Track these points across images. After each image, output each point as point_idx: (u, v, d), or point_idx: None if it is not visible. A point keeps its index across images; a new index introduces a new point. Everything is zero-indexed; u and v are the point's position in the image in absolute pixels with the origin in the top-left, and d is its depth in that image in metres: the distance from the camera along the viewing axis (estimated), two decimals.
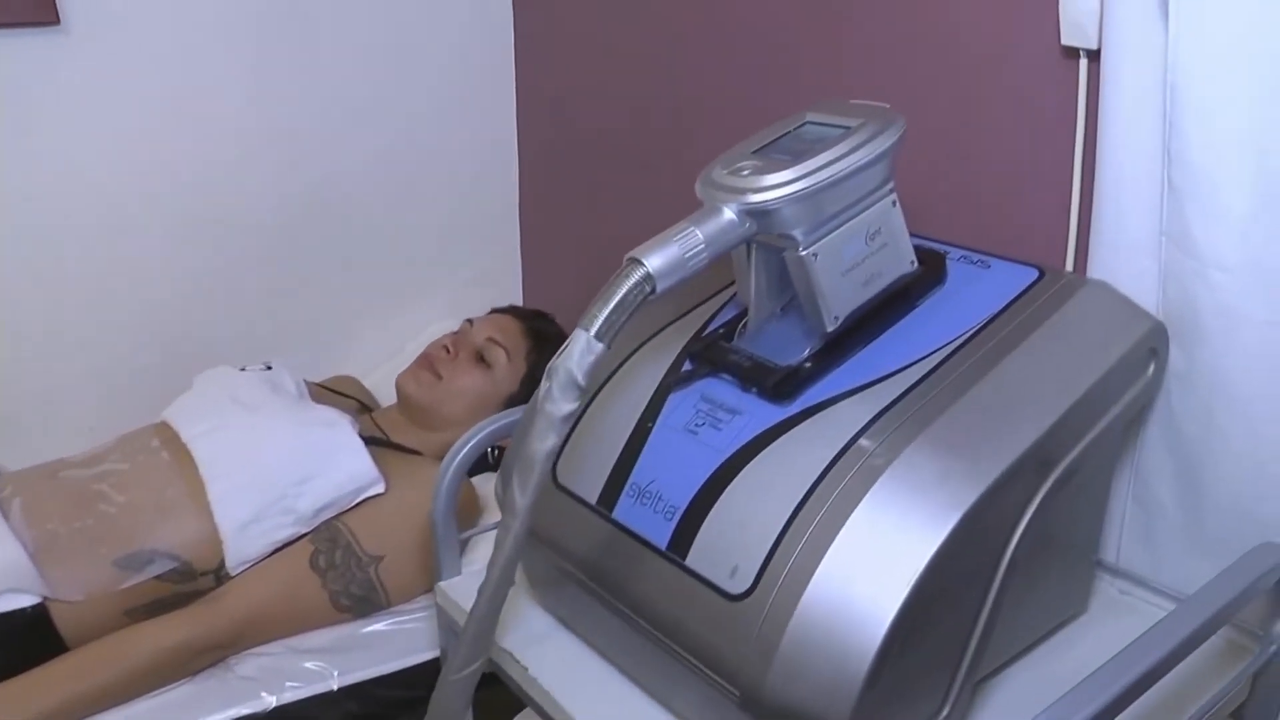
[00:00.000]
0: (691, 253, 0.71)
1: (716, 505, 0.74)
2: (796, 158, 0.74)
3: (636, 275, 0.70)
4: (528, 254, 1.83)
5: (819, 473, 0.71)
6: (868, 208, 0.78)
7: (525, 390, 1.43)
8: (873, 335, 0.81)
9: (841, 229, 0.76)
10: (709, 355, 0.83)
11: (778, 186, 0.72)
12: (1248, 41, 0.69)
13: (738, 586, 0.70)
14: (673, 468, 0.78)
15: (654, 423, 0.82)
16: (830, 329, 0.78)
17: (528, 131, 1.73)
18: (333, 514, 1.22)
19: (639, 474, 0.80)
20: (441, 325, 1.65)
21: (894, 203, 0.80)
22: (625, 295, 0.69)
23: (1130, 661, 0.65)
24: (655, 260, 0.70)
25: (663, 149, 1.45)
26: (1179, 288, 0.79)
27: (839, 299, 0.78)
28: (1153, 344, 0.80)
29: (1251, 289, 0.74)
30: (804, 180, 0.72)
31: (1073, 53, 0.90)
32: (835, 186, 0.73)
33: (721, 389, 0.81)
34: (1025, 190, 0.99)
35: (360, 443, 1.26)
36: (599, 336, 0.69)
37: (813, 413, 0.76)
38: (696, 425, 0.79)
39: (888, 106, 0.80)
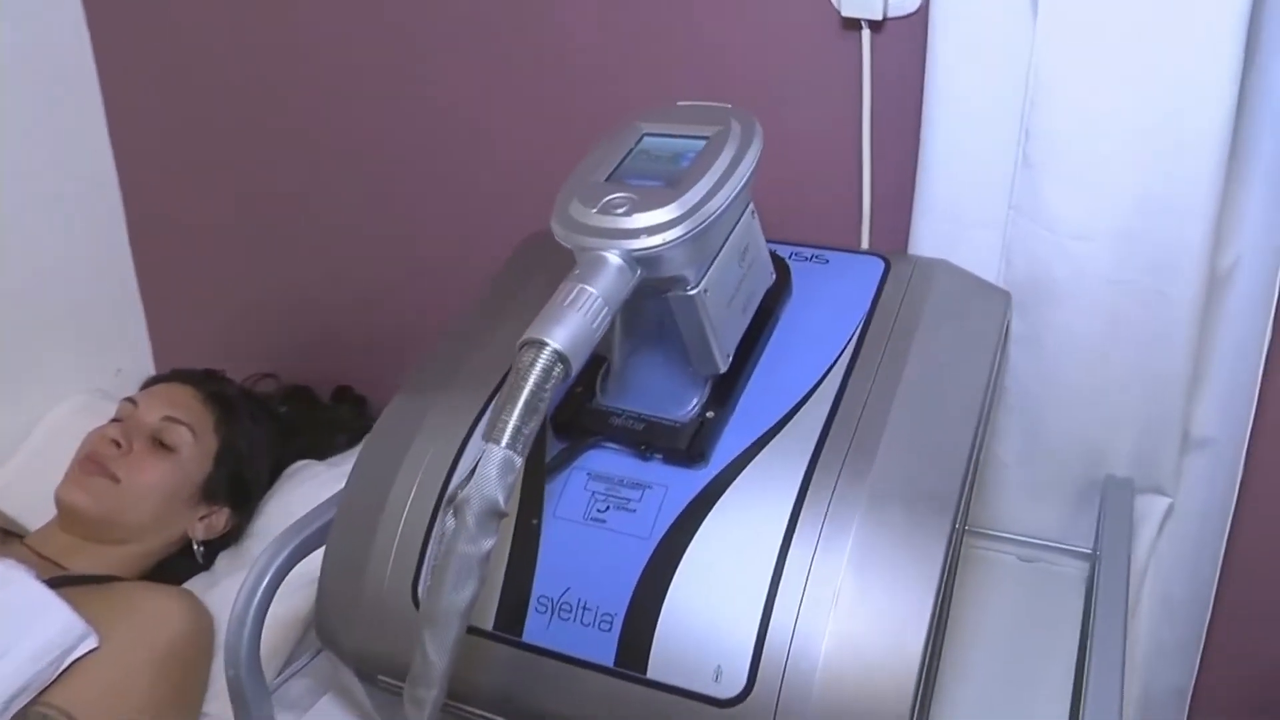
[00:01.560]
0: (596, 318, 0.58)
1: (666, 603, 0.62)
2: (673, 185, 0.63)
3: (544, 360, 0.55)
4: (148, 292, 1.50)
5: (779, 541, 0.62)
6: (736, 225, 0.69)
7: (221, 469, 1.18)
8: (753, 362, 0.73)
9: (720, 256, 0.66)
10: (582, 422, 0.70)
11: (671, 225, 0.60)
12: (1112, 21, 0.68)
13: (729, 690, 0.60)
14: (589, 569, 0.65)
15: (539, 518, 0.68)
16: (724, 369, 0.68)
17: (127, 150, 1.41)
18: (30, 697, 0.92)
19: (544, 585, 0.66)
20: (63, 409, 1.36)
21: (753, 213, 0.71)
22: (535, 389, 0.55)
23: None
24: (561, 336, 0.56)
25: (289, 152, 1.25)
26: (1027, 257, 0.79)
27: (728, 334, 0.69)
28: (1009, 318, 0.80)
29: (1104, 253, 0.76)
30: (696, 214, 0.61)
31: (853, 24, 0.86)
32: (724, 213, 0.63)
33: (611, 461, 0.69)
34: (815, 173, 0.96)
35: (47, 592, 0.95)
36: (515, 448, 0.54)
37: (736, 470, 0.66)
38: (599, 511, 0.67)
39: (729, 106, 0.70)
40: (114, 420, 1.18)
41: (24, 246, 1.33)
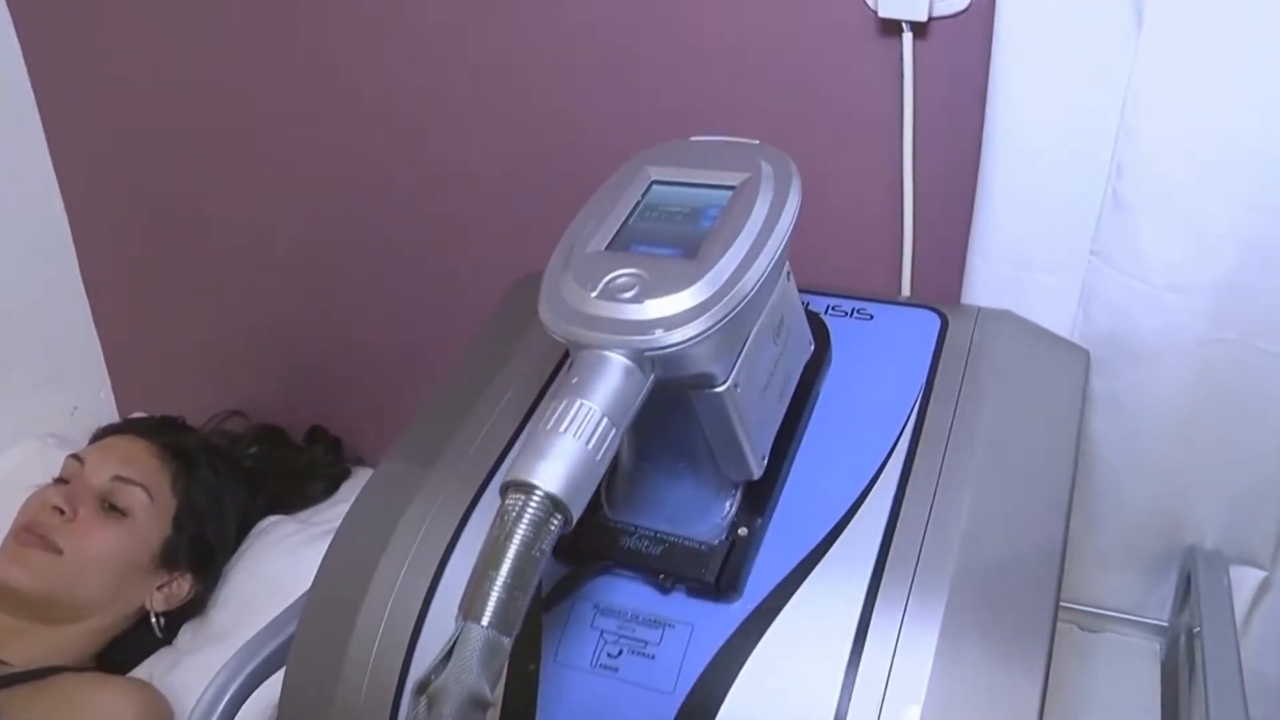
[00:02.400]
0: (600, 444, 0.45)
1: None
2: (694, 256, 0.50)
3: (533, 510, 0.43)
4: (105, 325, 1.37)
5: (837, 697, 0.50)
6: (770, 294, 0.56)
7: (182, 532, 1.05)
8: (790, 457, 0.60)
9: (752, 338, 0.53)
10: (586, 542, 0.57)
11: (695, 314, 0.47)
12: (1233, 37, 0.55)
13: None
14: None
15: (536, 663, 0.55)
16: (758, 474, 0.56)
17: (72, 178, 1.27)
18: None
19: None
20: (13, 451, 1.21)
21: (789, 274, 0.58)
22: (524, 549, 0.43)
23: None
24: (555, 476, 0.44)
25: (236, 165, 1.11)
26: (1110, 310, 0.66)
27: (762, 431, 0.56)
28: (1088, 376, 0.67)
29: (1202, 307, 0.64)
30: (728, 296, 0.48)
31: (893, 26, 0.72)
32: (761, 289, 0.50)
33: (623, 591, 0.56)
34: (848, 206, 0.82)
35: None
36: (499, 626, 0.42)
37: (778, 604, 0.54)
38: (610, 657, 0.54)
39: (756, 143, 0.57)
40: (57, 481, 1.05)
41: None
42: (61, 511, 1.00)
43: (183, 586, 1.05)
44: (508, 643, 0.42)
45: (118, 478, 1.03)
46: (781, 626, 0.53)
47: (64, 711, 0.88)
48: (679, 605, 0.55)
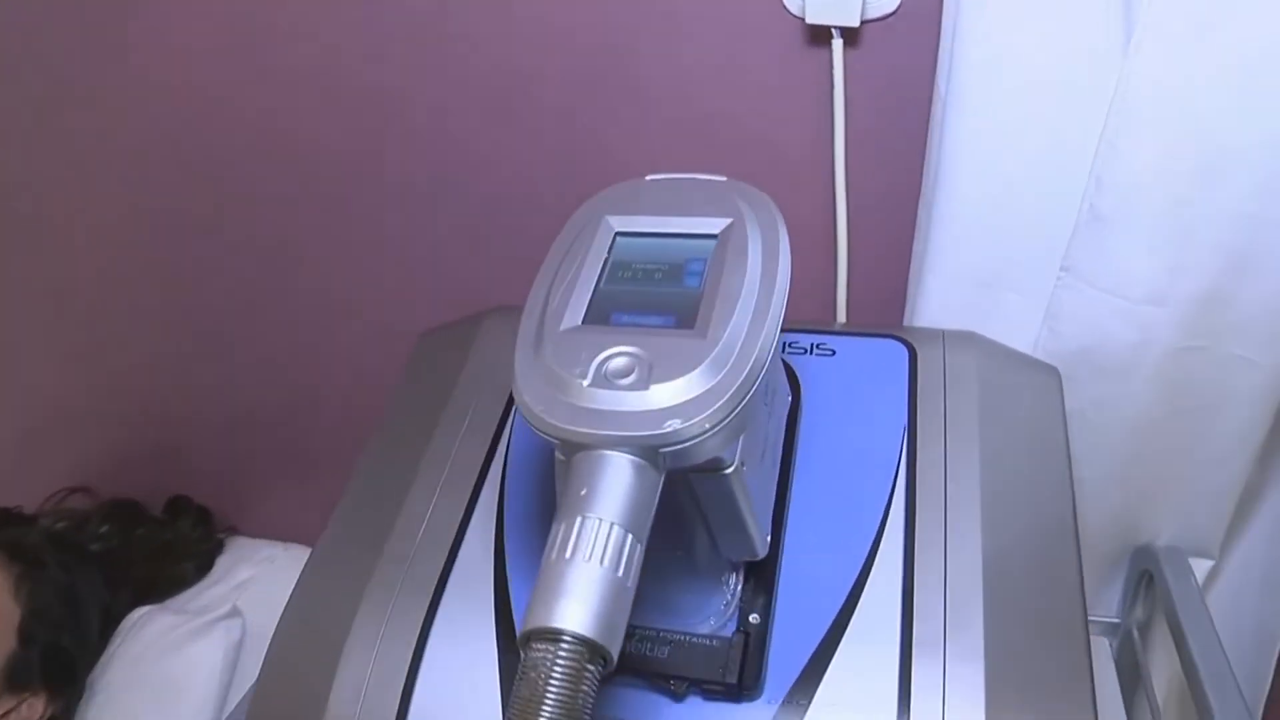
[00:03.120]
0: (627, 565, 0.38)
1: None
2: (689, 324, 0.43)
3: (565, 661, 0.36)
4: None
5: None
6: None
7: (31, 646, 0.90)
8: (785, 526, 0.54)
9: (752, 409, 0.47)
10: None
11: (713, 400, 0.41)
12: (1219, 51, 0.52)
13: None
14: None
15: None
16: (763, 553, 0.50)
17: None
18: None
19: None
20: None
21: None
22: (560, 707, 0.35)
23: None
24: (578, 615, 0.37)
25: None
26: (1080, 326, 0.64)
27: (764, 506, 0.50)
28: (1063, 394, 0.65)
29: (1180, 318, 0.62)
30: (746, 369, 0.42)
31: (822, 34, 0.67)
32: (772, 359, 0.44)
33: (631, 704, 0.49)
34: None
35: None
36: None
37: (805, 695, 0.48)
38: None
39: (724, 179, 0.51)
40: None
41: None
42: None
43: (35, 709, 0.90)
44: None
45: None
46: None
47: None
48: (695, 712, 0.48)
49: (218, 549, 1.10)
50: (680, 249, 0.48)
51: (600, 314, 0.45)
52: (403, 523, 0.59)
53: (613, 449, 0.40)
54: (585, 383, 0.42)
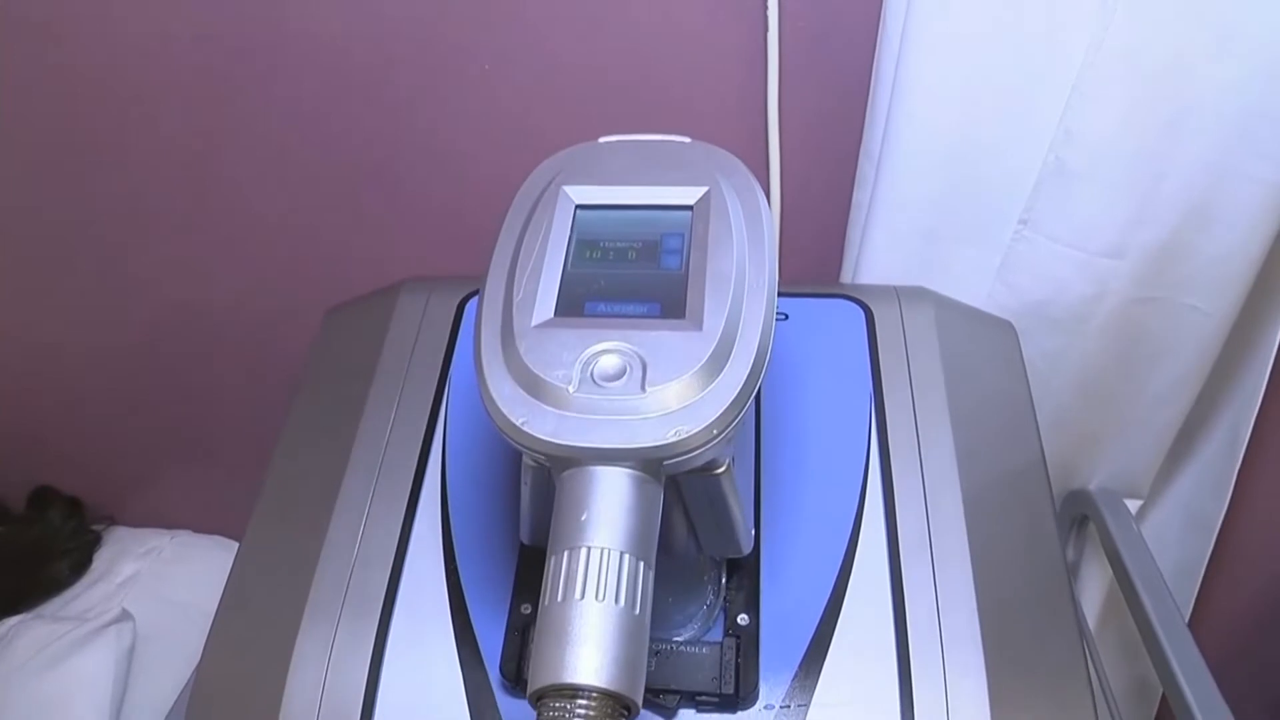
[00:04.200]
0: (639, 595, 0.34)
1: None
2: (679, 312, 0.39)
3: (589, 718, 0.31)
4: None
5: None
6: None
7: None
8: (756, 509, 0.51)
9: None
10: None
11: (719, 402, 0.36)
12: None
13: None
14: None
15: None
16: (748, 549, 0.46)
17: None
18: None
19: None
20: None
21: None
22: None
23: None
24: (594, 665, 0.33)
25: None
26: (1035, 279, 0.62)
27: (748, 499, 0.46)
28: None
29: (1135, 270, 0.61)
30: (749, 371, 0.37)
31: None
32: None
33: None
34: None
35: None
36: None
37: (801, 698, 0.45)
38: None
39: (688, 140, 0.46)
40: None
41: None
42: None
43: None
44: None
45: None
46: None
47: None
48: None
49: (94, 543, 0.99)
50: (652, 222, 0.43)
51: (573, 303, 0.40)
52: (339, 522, 0.53)
53: (610, 463, 0.36)
54: (571, 388, 0.37)
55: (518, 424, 0.36)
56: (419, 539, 0.52)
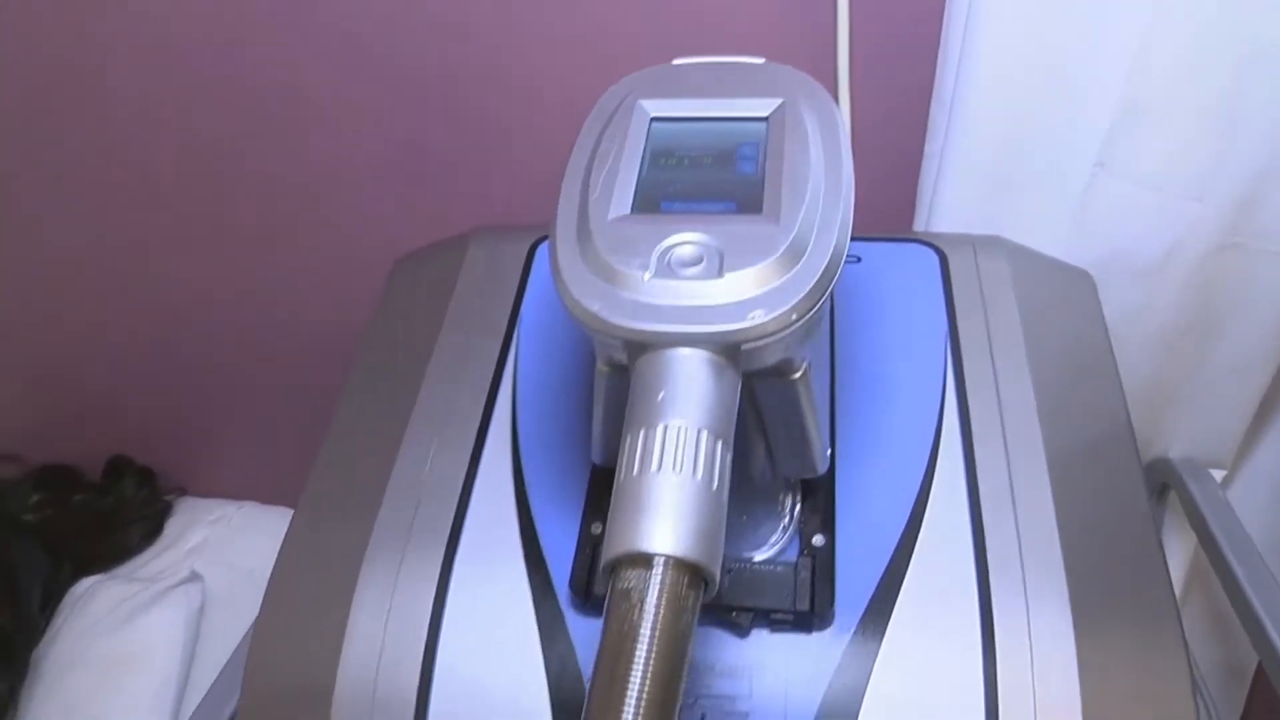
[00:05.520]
0: (716, 470, 0.34)
1: None
2: (756, 209, 0.38)
3: (659, 586, 0.31)
4: None
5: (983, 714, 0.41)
6: None
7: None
8: (831, 434, 0.50)
9: None
10: None
11: (797, 288, 0.36)
12: None
13: None
14: None
15: None
16: (823, 469, 0.45)
17: None
18: None
19: None
20: None
21: None
22: (662, 643, 0.31)
23: None
24: (670, 534, 0.32)
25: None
26: (1114, 227, 0.60)
27: (824, 417, 0.45)
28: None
29: (1220, 215, 0.59)
30: (827, 262, 0.37)
31: None
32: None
33: None
34: None
35: None
36: None
37: (879, 623, 0.44)
38: None
39: (762, 61, 0.46)
40: None
41: None
42: None
43: None
44: None
45: None
46: (893, 649, 0.44)
47: None
48: (761, 646, 0.44)
49: (165, 511, 1.02)
50: (728, 133, 0.43)
51: (650, 202, 0.40)
52: (406, 456, 0.53)
53: (688, 346, 0.35)
54: (648, 275, 0.36)
55: (594, 310, 0.36)
56: (487, 468, 0.52)
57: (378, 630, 0.47)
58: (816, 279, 0.36)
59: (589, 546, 0.47)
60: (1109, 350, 0.56)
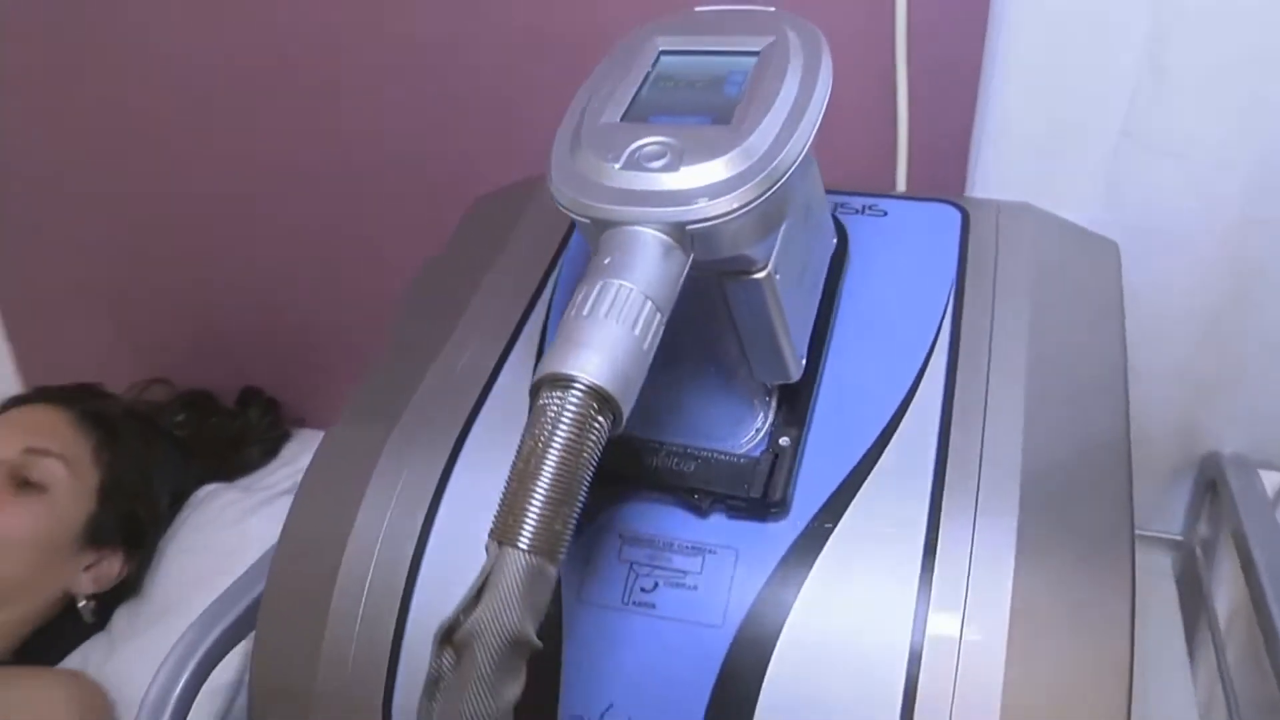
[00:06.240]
0: (646, 329, 0.39)
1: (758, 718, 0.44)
2: (726, 121, 0.43)
3: (574, 408, 0.36)
4: (6, 295, 1.24)
5: (912, 614, 0.44)
6: (806, 172, 0.50)
7: (108, 506, 0.95)
8: (823, 360, 0.54)
9: (788, 221, 0.47)
10: (606, 462, 0.50)
11: (740, 181, 0.41)
12: None
13: None
14: (638, 677, 0.46)
15: (557, 604, 0.48)
16: (796, 376, 0.49)
17: None
18: None
19: (574, 702, 0.47)
20: None
21: (812, 155, 0.52)
22: (567, 455, 0.36)
23: None
24: (593, 365, 0.37)
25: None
26: (1142, 196, 0.62)
27: (799, 327, 0.50)
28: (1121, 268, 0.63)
29: (1247, 186, 0.59)
30: (774, 161, 0.42)
31: None
32: (803, 159, 0.44)
33: (651, 517, 0.49)
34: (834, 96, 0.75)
35: None
36: (542, 550, 0.35)
37: (831, 520, 0.48)
38: (645, 591, 0.48)
39: (772, 10, 0.51)
40: None
41: None
42: None
43: (113, 566, 0.95)
44: (553, 571, 0.36)
45: (30, 450, 0.92)
46: (839, 544, 0.47)
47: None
48: (718, 529, 0.48)
49: (284, 438, 1.13)
50: (721, 64, 0.48)
51: (639, 114, 0.46)
52: (435, 369, 0.58)
53: (642, 225, 0.41)
54: (618, 166, 0.42)
55: (569, 193, 0.42)
56: (513, 365, 0.57)
57: (382, 514, 0.52)
58: (760, 178, 0.41)
59: None
60: (1118, 313, 0.57)
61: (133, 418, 1.03)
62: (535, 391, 0.37)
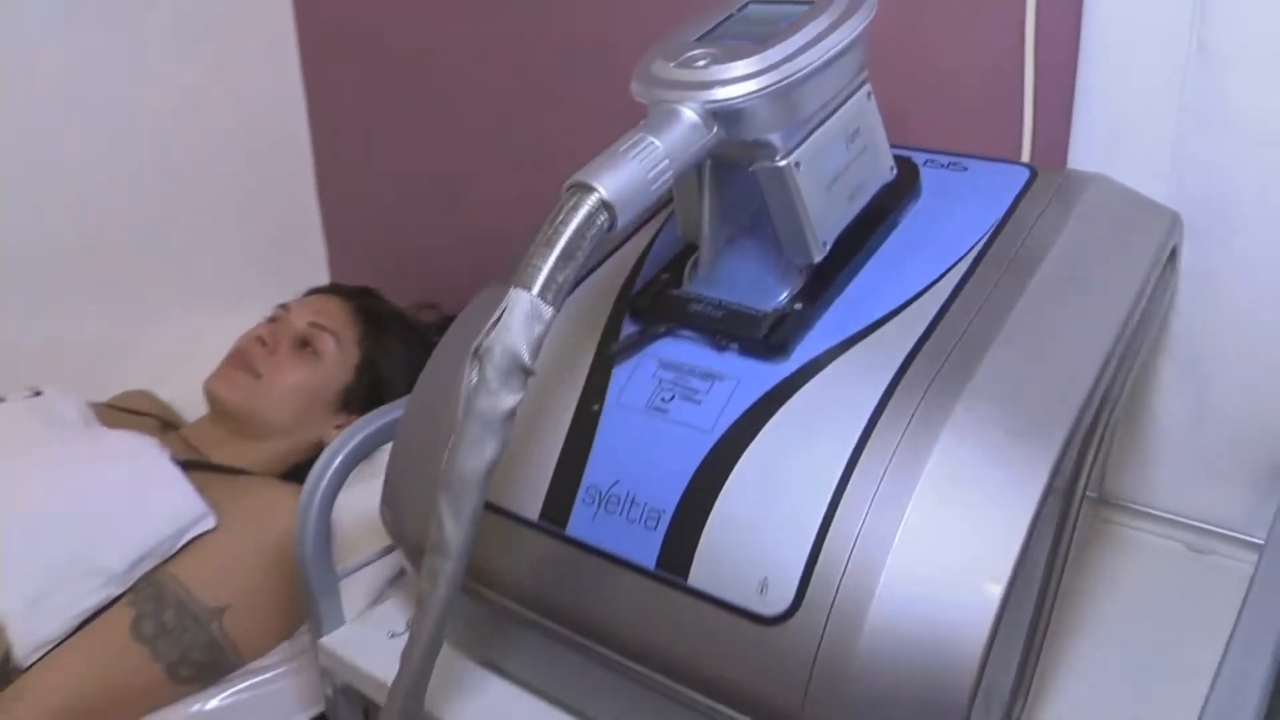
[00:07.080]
0: (655, 170, 0.53)
1: (718, 503, 0.56)
2: (760, 43, 0.57)
3: (587, 205, 0.51)
4: (331, 224, 1.57)
5: (852, 447, 0.55)
6: (844, 102, 0.62)
7: (361, 381, 1.20)
8: (859, 262, 0.65)
9: (821, 130, 0.60)
10: (659, 308, 0.65)
11: (750, 77, 0.55)
12: None
13: (773, 606, 0.53)
14: (642, 461, 0.60)
15: (600, 404, 0.63)
16: (818, 258, 0.61)
17: (316, 74, 1.47)
18: (153, 564, 0.96)
19: (594, 474, 0.61)
20: (238, 319, 1.38)
21: (869, 94, 0.64)
22: (574, 235, 0.50)
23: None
24: (609, 182, 0.51)
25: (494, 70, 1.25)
26: (1202, 171, 0.67)
27: (825, 219, 0.61)
28: (1174, 242, 0.68)
29: None
30: (779, 69, 0.55)
31: None
32: (815, 76, 0.56)
33: (685, 350, 0.63)
34: (968, 68, 0.85)
35: (176, 470, 1.00)
36: (546, 297, 0.50)
37: (818, 368, 0.59)
38: (664, 400, 0.61)
39: None
40: (267, 321, 1.23)
41: (216, 187, 1.43)
42: (264, 344, 1.18)
43: None
44: (550, 312, 0.50)
45: (314, 324, 1.20)
46: (815, 387, 0.58)
47: (242, 498, 1.03)
48: (730, 362, 0.61)
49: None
50: (786, 11, 0.61)
51: (710, 38, 0.60)
52: None
53: (676, 103, 0.55)
54: (673, 65, 0.57)
55: (638, 84, 0.57)
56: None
57: None
58: (764, 75, 0.54)
59: (653, 288, 0.67)
60: (1143, 269, 0.63)
61: (399, 320, 1.28)
62: (567, 189, 0.52)
